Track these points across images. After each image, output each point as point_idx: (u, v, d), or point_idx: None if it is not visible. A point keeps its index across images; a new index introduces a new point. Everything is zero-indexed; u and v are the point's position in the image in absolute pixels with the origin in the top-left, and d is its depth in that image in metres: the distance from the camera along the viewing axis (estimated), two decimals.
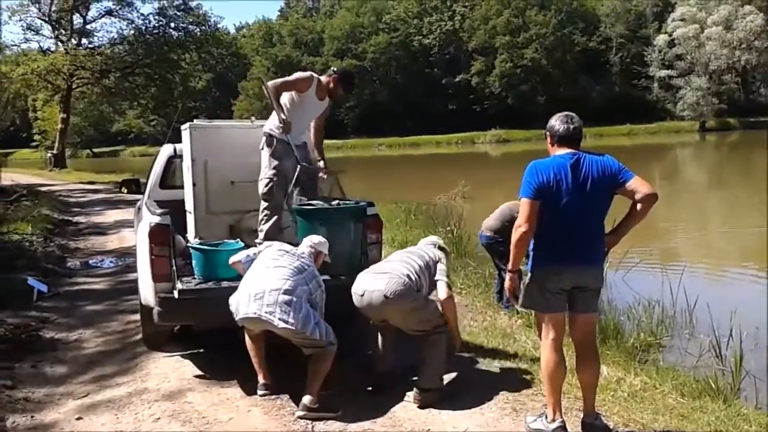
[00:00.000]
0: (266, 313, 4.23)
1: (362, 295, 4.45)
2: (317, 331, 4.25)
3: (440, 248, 4.88)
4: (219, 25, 42.72)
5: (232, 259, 4.74)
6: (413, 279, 4.45)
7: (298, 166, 5.43)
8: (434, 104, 68.90)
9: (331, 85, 5.68)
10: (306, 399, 4.22)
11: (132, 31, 38.44)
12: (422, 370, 4.46)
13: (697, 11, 58.97)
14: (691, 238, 13.59)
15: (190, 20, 39.21)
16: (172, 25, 38.88)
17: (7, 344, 5.97)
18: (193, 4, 39.30)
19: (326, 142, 5.93)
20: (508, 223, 6.03)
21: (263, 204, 5.46)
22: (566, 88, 65.35)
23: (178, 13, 38.86)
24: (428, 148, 58.98)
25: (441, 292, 4.55)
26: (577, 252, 3.74)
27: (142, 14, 38.42)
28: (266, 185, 5.43)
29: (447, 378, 4.72)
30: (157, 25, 38.53)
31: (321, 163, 5.81)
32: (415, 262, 4.60)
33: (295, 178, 5.44)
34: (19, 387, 5.07)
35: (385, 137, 65.06)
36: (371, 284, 4.43)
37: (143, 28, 38.27)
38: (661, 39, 61.10)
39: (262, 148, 5.48)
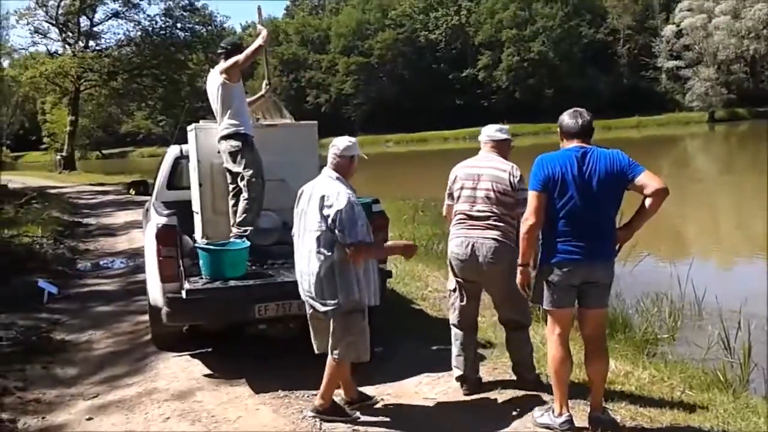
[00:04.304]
0: (309, 297, 4.10)
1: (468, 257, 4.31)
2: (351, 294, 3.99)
3: None
4: (225, 25, 42.57)
5: None
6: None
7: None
8: (442, 100, 68.74)
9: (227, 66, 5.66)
10: (316, 401, 4.19)
11: (139, 33, 38.55)
12: (525, 367, 4.58)
13: (705, 1, 58.58)
14: (701, 229, 13.55)
15: (197, 20, 39.24)
16: (179, 25, 38.97)
17: (18, 346, 6.03)
18: (198, 4, 39.39)
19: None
20: None
21: (248, 197, 5.50)
22: (574, 80, 65.07)
23: (185, 14, 38.91)
24: (436, 143, 58.88)
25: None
26: (586, 247, 3.72)
27: (148, 16, 38.61)
28: (260, 182, 5.53)
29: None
30: (163, 26, 38.65)
31: None
32: None
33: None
34: (30, 389, 5.12)
35: (392, 134, 64.99)
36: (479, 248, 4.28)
37: (150, 29, 38.38)
38: (668, 29, 60.72)
39: (246, 149, 5.51)
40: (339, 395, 4.37)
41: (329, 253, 3.95)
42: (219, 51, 5.91)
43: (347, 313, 3.98)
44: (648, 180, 3.67)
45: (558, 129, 3.97)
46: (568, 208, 3.72)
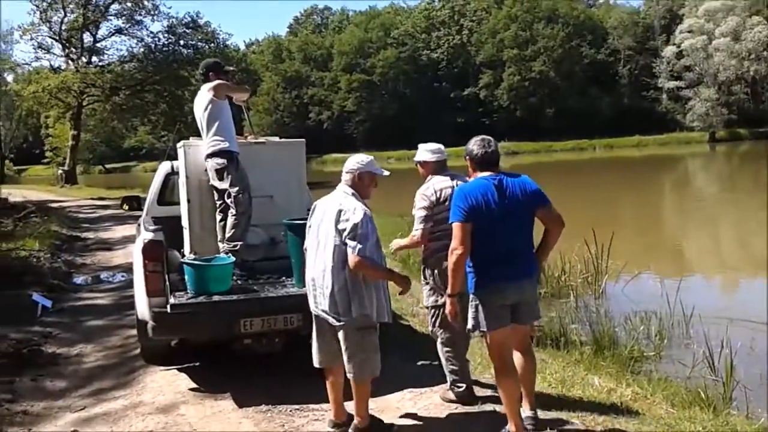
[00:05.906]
0: (322, 311, 4.08)
1: None
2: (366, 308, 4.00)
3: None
4: (228, 42, 42.87)
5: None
6: None
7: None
8: (443, 118, 68.77)
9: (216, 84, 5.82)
10: (355, 420, 4.16)
11: (142, 49, 38.85)
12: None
13: (705, 23, 58.88)
14: (698, 247, 13.57)
15: (199, 38, 39.55)
16: (182, 42, 39.26)
17: (8, 359, 6.08)
18: (201, 21, 39.73)
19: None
20: None
21: (236, 213, 5.55)
22: (575, 100, 65.33)
23: (187, 31, 39.22)
24: None
25: None
26: (514, 268, 3.89)
27: (151, 32, 38.96)
28: (247, 198, 5.60)
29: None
30: (166, 42, 38.94)
31: None
32: None
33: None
34: (19, 401, 5.17)
35: (394, 150, 65.10)
36: None
37: (153, 45, 38.69)
38: (669, 50, 61.02)
39: (231, 166, 5.59)
40: (329, 418, 4.38)
41: (343, 269, 3.96)
42: (199, 74, 6.22)
43: (360, 328, 4.00)
44: (554, 211, 3.98)
45: (466, 158, 4.07)
46: (494, 234, 3.86)
